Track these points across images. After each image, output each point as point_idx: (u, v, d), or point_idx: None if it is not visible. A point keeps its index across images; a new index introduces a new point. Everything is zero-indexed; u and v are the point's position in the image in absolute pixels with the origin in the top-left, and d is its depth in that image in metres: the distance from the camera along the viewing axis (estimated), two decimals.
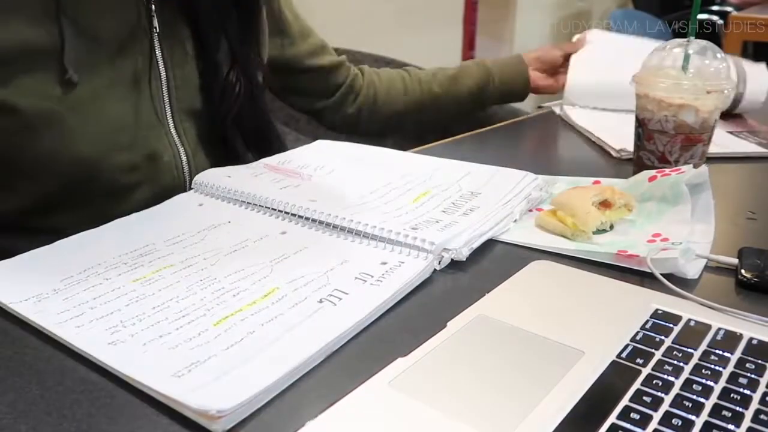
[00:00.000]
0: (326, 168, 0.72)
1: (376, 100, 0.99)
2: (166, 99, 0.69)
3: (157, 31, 0.68)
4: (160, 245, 0.55)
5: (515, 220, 0.61)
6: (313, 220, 0.58)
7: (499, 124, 1.02)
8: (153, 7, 0.67)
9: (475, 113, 1.07)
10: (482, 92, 1.01)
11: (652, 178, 0.62)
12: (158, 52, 0.68)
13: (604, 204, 0.58)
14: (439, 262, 0.53)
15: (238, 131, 0.77)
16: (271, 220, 0.60)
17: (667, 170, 0.62)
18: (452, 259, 0.53)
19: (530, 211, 0.63)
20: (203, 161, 0.74)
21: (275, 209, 0.61)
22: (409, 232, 0.54)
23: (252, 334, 0.42)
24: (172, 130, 0.70)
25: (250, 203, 0.63)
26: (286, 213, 0.60)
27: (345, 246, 0.55)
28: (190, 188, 0.68)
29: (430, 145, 0.87)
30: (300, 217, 0.59)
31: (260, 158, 0.75)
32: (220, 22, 0.72)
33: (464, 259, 0.53)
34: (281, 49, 0.87)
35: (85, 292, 0.48)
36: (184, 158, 0.71)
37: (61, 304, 0.46)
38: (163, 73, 0.69)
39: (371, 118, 0.99)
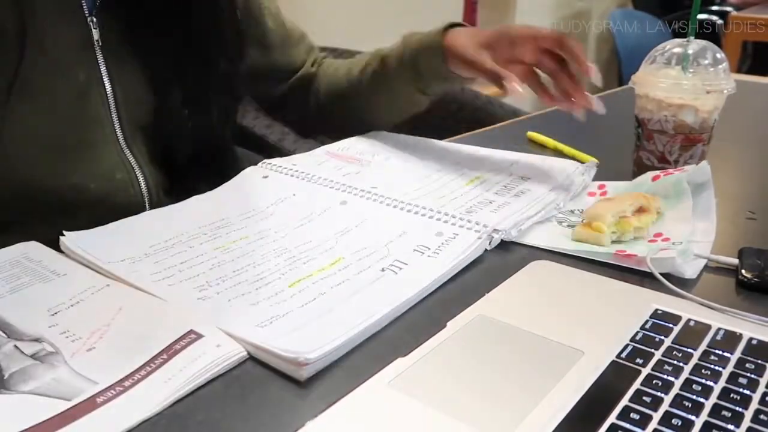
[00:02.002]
0: (383, 155, 0.77)
1: (324, 84, 0.86)
2: (114, 116, 0.65)
3: (99, 44, 0.63)
4: (234, 219, 0.60)
5: (558, 206, 0.63)
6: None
7: (499, 124, 1.02)
8: (94, 19, 0.63)
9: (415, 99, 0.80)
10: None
11: (655, 178, 0.62)
12: (102, 67, 0.64)
13: (640, 211, 0.57)
14: (490, 242, 0.56)
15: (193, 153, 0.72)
16: (332, 192, 0.65)
17: (670, 170, 0.62)
18: (502, 240, 0.57)
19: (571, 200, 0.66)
20: (163, 178, 0.70)
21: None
22: (464, 215, 0.58)
23: (323, 295, 0.47)
24: (124, 147, 0.66)
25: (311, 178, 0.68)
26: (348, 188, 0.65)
27: (402, 217, 0.59)
28: (150, 207, 0.67)
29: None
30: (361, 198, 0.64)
31: (212, 183, 0.70)
32: (161, 38, 0.67)
33: (513, 240, 0.57)
34: (259, 58, 0.81)
35: (173, 257, 0.53)
36: (140, 176, 0.67)
37: (152, 266, 0.51)
38: (108, 88, 0.64)
39: (322, 106, 0.86)
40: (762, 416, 0.35)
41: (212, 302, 0.46)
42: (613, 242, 0.56)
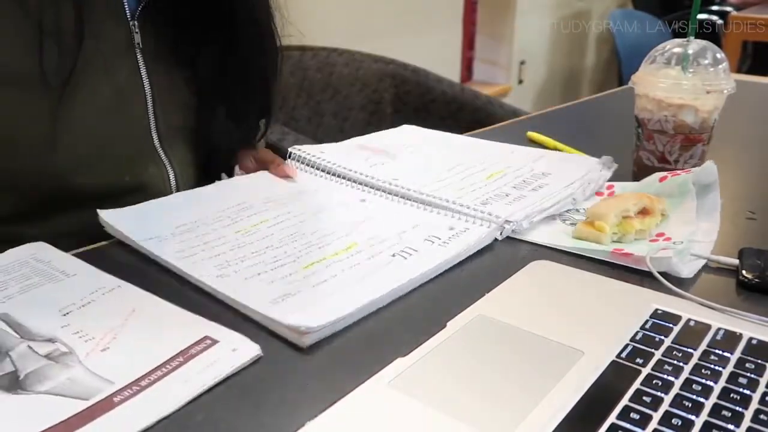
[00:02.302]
0: (411, 148, 0.79)
1: None
2: (151, 117, 0.68)
3: (140, 46, 0.65)
4: (256, 204, 0.63)
5: (574, 200, 0.64)
6: (393, 194, 0.65)
7: (499, 124, 1.02)
8: (135, 22, 0.65)
9: None
10: None
11: (662, 179, 0.62)
12: (142, 69, 0.66)
13: (644, 212, 0.57)
14: (501, 232, 0.57)
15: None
16: (353, 190, 0.68)
17: (678, 171, 0.62)
18: (512, 230, 0.58)
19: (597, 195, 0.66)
20: (192, 176, 0.74)
21: (359, 183, 0.68)
22: (478, 206, 0.60)
23: (335, 277, 0.50)
24: (158, 146, 0.69)
25: (336, 175, 0.71)
26: (369, 187, 0.67)
27: (417, 213, 0.62)
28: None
29: None
30: (381, 190, 0.66)
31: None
32: (201, 45, 0.69)
33: (515, 237, 0.58)
34: None
35: (196, 238, 0.56)
36: (171, 173, 0.71)
37: (177, 245, 0.55)
38: (147, 89, 0.66)
39: None
40: (762, 416, 0.35)
41: (230, 280, 0.49)
42: (614, 242, 0.56)
